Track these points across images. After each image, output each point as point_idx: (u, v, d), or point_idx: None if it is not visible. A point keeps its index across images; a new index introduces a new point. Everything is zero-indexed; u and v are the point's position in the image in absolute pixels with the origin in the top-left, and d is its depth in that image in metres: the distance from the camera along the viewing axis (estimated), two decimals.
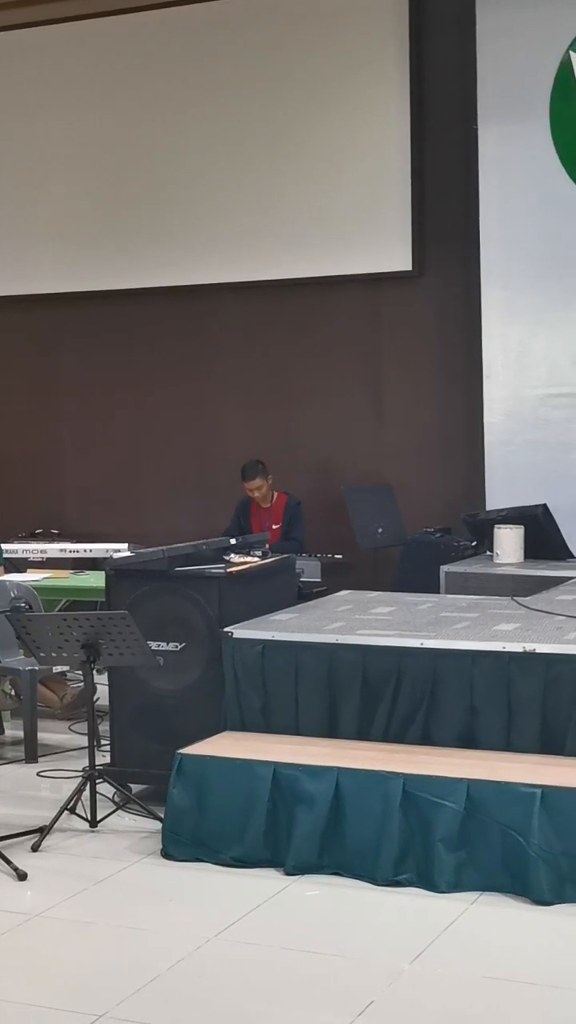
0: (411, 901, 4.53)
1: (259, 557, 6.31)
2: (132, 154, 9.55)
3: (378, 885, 4.64)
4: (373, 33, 8.87)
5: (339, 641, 5.35)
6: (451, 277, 8.72)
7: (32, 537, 9.34)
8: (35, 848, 5.09)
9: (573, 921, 4.32)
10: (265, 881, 4.73)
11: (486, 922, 4.36)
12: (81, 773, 5.47)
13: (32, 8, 9.63)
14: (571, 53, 8.03)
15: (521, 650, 5.04)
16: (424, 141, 8.83)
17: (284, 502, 8.56)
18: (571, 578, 6.87)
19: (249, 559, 6.22)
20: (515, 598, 6.22)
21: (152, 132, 9.49)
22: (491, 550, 7.47)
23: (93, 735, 5.53)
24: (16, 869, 4.80)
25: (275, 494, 8.57)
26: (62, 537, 9.31)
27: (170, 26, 9.38)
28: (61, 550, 8.88)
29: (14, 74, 9.85)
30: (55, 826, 5.22)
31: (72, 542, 9.12)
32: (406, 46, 8.78)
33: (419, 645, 5.21)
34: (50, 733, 6.84)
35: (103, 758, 5.77)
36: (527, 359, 8.21)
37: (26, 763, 6.49)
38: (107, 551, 8.00)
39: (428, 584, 7.09)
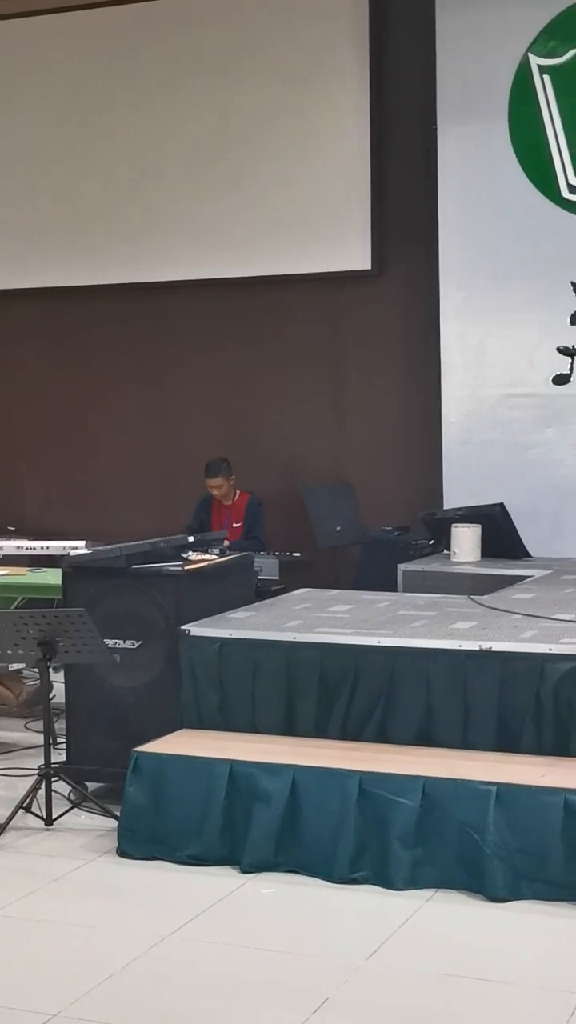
0: (367, 898, 4.54)
1: (217, 555, 6.31)
2: (91, 153, 9.53)
3: (334, 883, 4.64)
4: (333, 34, 8.88)
5: (297, 639, 5.36)
6: (410, 277, 8.74)
7: None
8: None
9: (527, 918, 4.35)
10: (221, 879, 4.73)
11: (441, 919, 4.37)
12: (36, 771, 5.46)
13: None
14: (530, 55, 8.07)
15: (478, 648, 5.06)
16: (384, 141, 8.85)
17: (246, 501, 8.56)
18: (528, 577, 6.91)
19: (207, 557, 6.22)
20: (472, 597, 6.24)
21: (111, 131, 9.47)
22: (448, 549, 7.50)
23: (49, 733, 5.51)
24: None
25: (237, 493, 8.57)
26: (18, 534, 9.25)
27: (130, 25, 9.35)
28: (17, 547, 8.81)
29: None
30: (10, 824, 5.22)
31: (29, 539, 9.06)
32: (366, 47, 8.80)
33: (376, 643, 5.22)
34: (5, 731, 6.82)
35: (59, 756, 5.75)
36: (485, 359, 8.24)
37: None
38: (64, 548, 7.95)
39: (386, 582, 7.11)
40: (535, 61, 8.07)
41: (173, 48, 9.25)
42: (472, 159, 8.21)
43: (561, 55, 8.01)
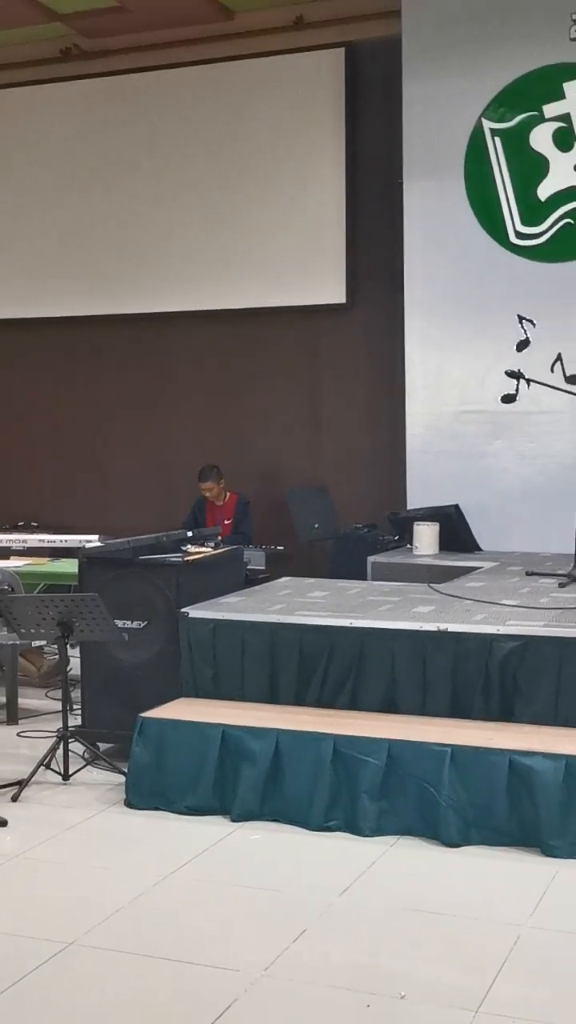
0: (339, 844, 4.55)
1: (212, 548, 6.31)
2: (101, 202, 9.50)
3: (311, 830, 4.66)
4: (314, 101, 8.89)
5: (280, 620, 5.36)
6: (379, 309, 8.75)
7: (14, 529, 9.28)
8: (15, 799, 5.06)
9: (477, 861, 4.36)
10: (214, 827, 4.74)
11: (403, 862, 4.38)
12: (56, 733, 5.45)
13: (18, 70, 9.63)
14: (483, 120, 8.09)
15: (435, 629, 5.07)
16: (356, 193, 8.86)
17: (235, 501, 8.57)
18: (479, 568, 6.92)
19: (203, 550, 6.22)
20: (431, 585, 6.25)
21: (119, 183, 9.45)
22: (411, 543, 7.51)
23: (66, 700, 5.51)
24: None
25: (227, 494, 8.57)
26: (40, 529, 9.26)
27: (139, 91, 9.35)
28: (39, 540, 8.82)
29: (6, 125, 9.78)
30: (32, 779, 5.20)
31: (49, 534, 9.06)
32: (342, 112, 8.82)
33: (348, 624, 5.23)
34: (28, 699, 6.80)
35: (75, 720, 5.74)
36: (443, 381, 8.25)
37: (7, 724, 6.46)
38: (80, 542, 7.94)
39: (357, 572, 7.11)
40: (487, 125, 8.09)
41: (176, 110, 9.24)
42: (433, 209, 8.22)
43: (509, 120, 8.03)
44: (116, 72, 9.41)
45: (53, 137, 9.62)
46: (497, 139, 8.08)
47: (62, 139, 9.59)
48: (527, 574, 6.58)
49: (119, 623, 5.49)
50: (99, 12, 8.88)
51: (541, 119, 7.95)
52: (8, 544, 8.51)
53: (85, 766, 5.45)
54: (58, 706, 5.61)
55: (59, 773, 5.33)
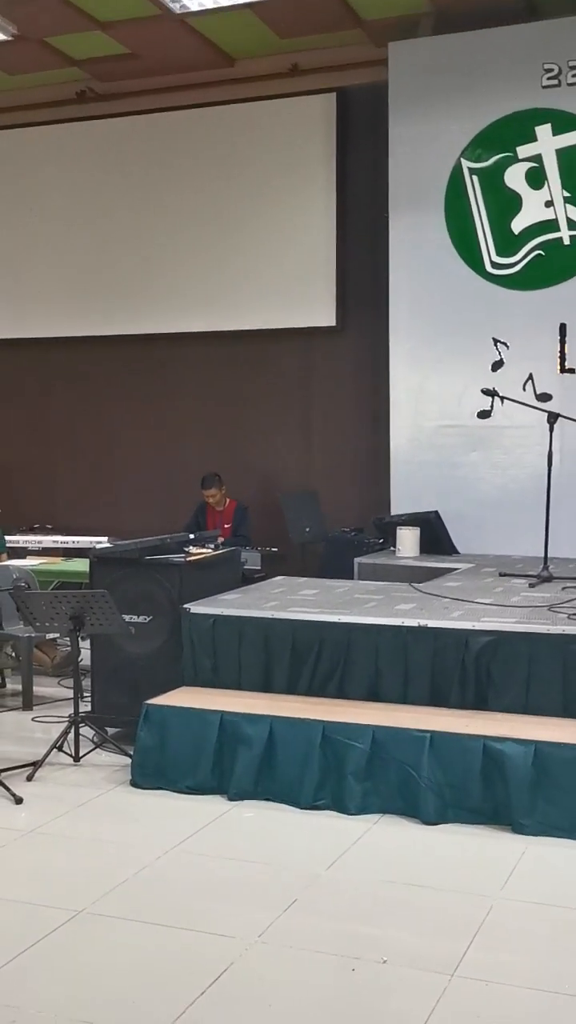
0: (327, 821, 4.56)
1: (212, 549, 6.31)
2: (113, 231, 9.50)
3: (301, 808, 4.66)
4: (308, 142, 8.89)
5: (274, 616, 5.36)
6: (366, 332, 8.75)
7: (31, 531, 9.27)
8: (29, 778, 5.06)
9: (453, 837, 4.37)
10: (212, 805, 4.74)
11: (385, 838, 4.39)
12: (67, 719, 5.45)
13: (37, 111, 9.63)
14: (462, 160, 8.09)
15: (416, 625, 5.08)
16: (346, 225, 8.87)
17: (234, 506, 8.57)
18: (456, 569, 6.93)
19: (204, 551, 6.22)
20: (412, 584, 6.26)
21: (131, 215, 9.45)
22: (394, 546, 7.52)
23: (78, 688, 5.50)
24: (14, 795, 4.78)
25: (227, 500, 8.58)
26: (54, 531, 9.25)
27: (148, 129, 9.36)
28: (54, 541, 8.83)
29: (18, 164, 9.78)
30: (46, 761, 5.19)
31: (63, 535, 9.07)
32: (333, 151, 8.83)
33: (337, 620, 5.24)
34: (43, 687, 6.80)
35: (85, 707, 5.73)
36: (424, 398, 8.26)
37: (23, 710, 6.46)
38: (91, 543, 7.95)
39: (345, 572, 7.11)
40: (466, 165, 8.10)
41: (181, 149, 9.24)
42: (416, 241, 8.23)
43: (486, 160, 8.04)
44: (127, 113, 9.42)
45: (70, 172, 9.61)
46: (475, 177, 8.09)
47: (78, 174, 9.59)
48: (500, 575, 6.59)
49: (126, 617, 5.49)
50: (112, 58, 8.90)
51: (515, 159, 7.96)
52: (25, 544, 8.52)
53: (94, 749, 5.45)
54: (70, 693, 5.61)
55: (71, 755, 5.33)
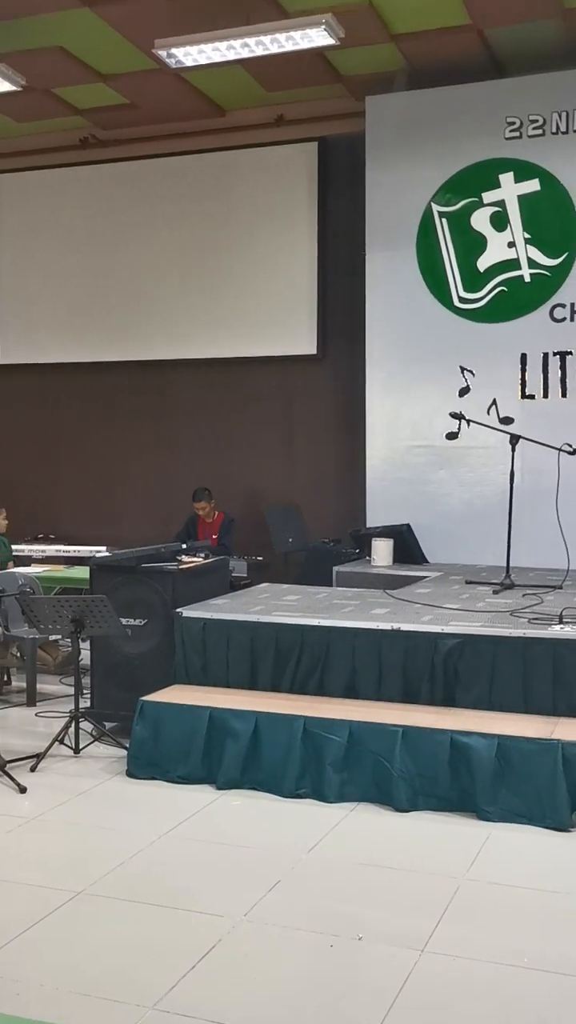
0: (308, 808, 4.56)
1: (202, 558, 6.31)
2: (114, 267, 9.50)
3: (284, 797, 4.66)
4: (292, 185, 8.92)
5: (259, 620, 5.37)
6: (344, 360, 8.77)
7: (35, 540, 9.25)
8: (33, 769, 5.04)
9: (423, 824, 4.38)
10: (202, 794, 4.73)
11: (361, 824, 4.39)
12: (68, 714, 5.44)
13: (45, 156, 9.64)
14: (432, 204, 8.13)
15: (390, 628, 5.09)
16: (326, 262, 8.89)
17: (222, 519, 8.57)
18: (426, 577, 6.95)
19: (195, 559, 6.21)
20: (386, 591, 6.27)
21: (129, 250, 9.45)
22: (369, 556, 7.53)
23: (78, 686, 5.49)
24: (18, 784, 4.77)
25: (216, 513, 8.57)
26: (57, 541, 9.23)
27: (145, 173, 9.36)
28: (57, 550, 8.83)
29: (28, 204, 9.79)
30: (48, 753, 5.18)
31: (65, 544, 9.07)
32: (315, 194, 8.86)
33: (317, 623, 5.24)
34: (45, 684, 6.78)
35: (85, 703, 5.72)
36: (397, 421, 8.28)
37: (27, 706, 6.44)
38: (91, 551, 7.95)
39: (324, 580, 7.11)
40: (435, 208, 8.13)
41: (176, 191, 9.24)
42: (390, 276, 8.26)
43: (453, 205, 8.07)
44: (127, 158, 9.42)
45: (75, 212, 9.61)
46: (444, 220, 8.13)
47: (82, 214, 9.59)
48: (467, 582, 6.61)
49: (123, 620, 5.48)
50: (113, 108, 8.91)
51: (480, 204, 8.00)
52: (30, 553, 8.51)
53: (93, 742, 5.44)
54: (71, 691, 5.59)
55: (71, 748, 5.31)
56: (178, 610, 5.49)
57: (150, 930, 3.36)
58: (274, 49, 6.92)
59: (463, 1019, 2.82)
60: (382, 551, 7.43)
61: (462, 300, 8.10)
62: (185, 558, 6.17)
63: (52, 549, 8.82)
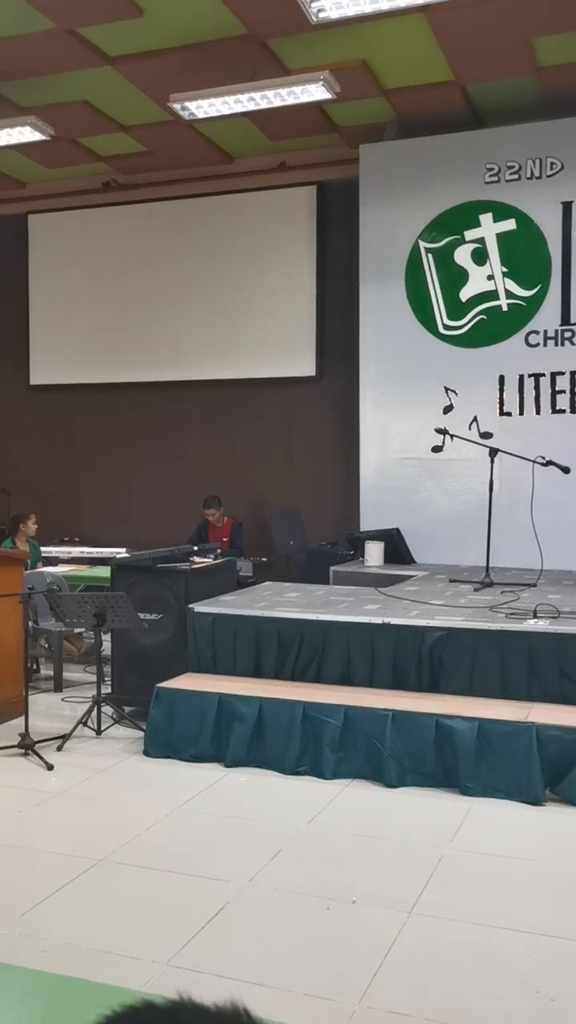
0: (307, 784, 4.56)
1: (212, 559, 6.31)
2: (133, 298, 9.52)
3: (285, 774, 4.66)
4: (292, 223, 8.95)
5: (263, 614, 5.37)
6: (340, 380, 8.79)
7: (62, 543, 9.25)
8: (59, 748, 5.04)
9: (410, 798, 4.37)
10: (211, 771, 4.73)
11: (355, 799, 4.39)
12: (91, 699, 5.44)
13: (71, 198, 9.66)
14: (419, 241, 8.15)
15: (381, 622, 5.10)
16: (324, 292, 8.91)
17: (231, 523, 8.57)
18: (414, 576, 6.95)
19: (205, 560, 6.22)
20: (378, 588, 6.28)
21: (146, 282, 9.47)
22: (363, 557, 7.54)
23: (100, 674, 5.49)
24: (46, 762, 4.77)
25: (225, 518, 8.57)
26: (81, 543, 9.23)
27: (162, 213, 9.39)
28: (81, 552, 8.82)
29: (55, 241, 9.81)
30: (73, 734, 5.18)
31: (88, 547, 9.07)
32: (314, 232, 8.89)
33: (315, 618, 5.25)
34: (71, 672, 6.78)
35: (107, 689, 5.72)
36: (388, 435, 8.30)
37: (54, 692, 6.44)
38: (112, 553, 7.94)
39: (322, 578, 7.12)
40: (422, 245, 8.16)
41: (189, 229, 9.28)
42: (381, 306, 8.29)
43: (439, 242, 8.10)
44: (145, 200, 9.45)
45: (98, 248, 9.64)
46: (430, 255, 8.15)
47: (105, 250, 9.62)
48: (450, 581, 6.62)
49: (141, 615, 5.49)
50: (132, 155, 8.94)
51: (462, 241, 8.02)
52: (57, 555, 8.50)
53: (113, 724, 5.44)
54: (93, 678, 5.60)
55: (94, 729, 5.32)
56: (190, 606, 5.49)
57: (164, 894, 3.35)
58: (277, 102, 6.94)
59: (447, 974, 2.81)
60: (374, 552, 7.43)
61: (446, 327, 8.11)
62: (196, 559, 6.17)
63: (77, 551, 8.82)
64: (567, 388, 7.74)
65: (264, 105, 7.00)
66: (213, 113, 7.12)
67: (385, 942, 2.98)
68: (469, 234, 8.00)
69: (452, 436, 7.20)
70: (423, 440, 8.04)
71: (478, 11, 6.13)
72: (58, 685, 6.50)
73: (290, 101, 6.93)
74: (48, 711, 5.96)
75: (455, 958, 2.91)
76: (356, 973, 2.80)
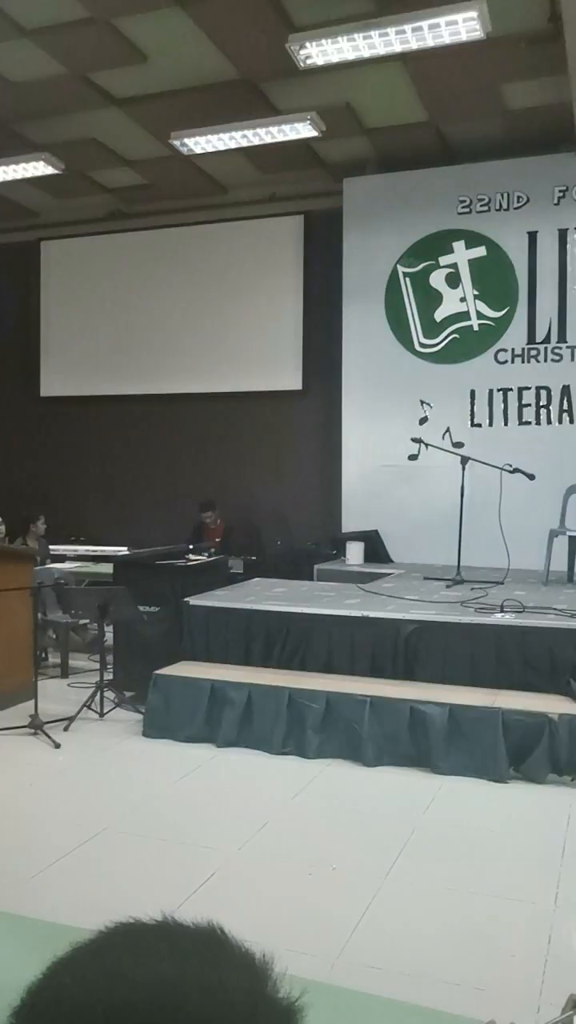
0: (292, 763, 4.58)
1: (206, 557, 6.33)
2: (134, 318, 9.51)
3: (272, 754, 4.68)
4: (281, 249, 8.97)
5: (253, 608, 5.38)
6: (325, 394, 8.82)
7: (68, 542, 9.24)
8: (66, 729, 5.05)
9: (386, 776, 4.40)
10: (204, 751, 4.75)
11: (335, 776, 4.41)
12: (95, 684, 5.46)
13: (79, 226, 9.67)
14: (397, 266, 8.20)
15: (360, 615, 5.12)
16: (310, 313, 8.93)
17: (223, 525, 8.58)
18: (391, 573, 6.98)
19: (200, 558, 6.24)
20: (358, 585, 6.29)
21: (147, 303, 9.47)
22: (344, 556, 7.56)
23: (103, 661, 5.51)
24: (54, 741, 4.78)
25: (219, 520, 8.59)
26: (86, 542, 9.23)
27: (162, 240, 9.40)
28: (86, 550, 8.82)
29: (64, 266, 9.82)
30: (78, 716, 5.19)
31: (93, 545, 9.07)
32: (301, 257, 8.91)
33: (300, 611, 5.27)
34: (76, 660, 6.77)
35: (109, 676, 5.73)
36: (368, 444, 8.33)
37: (61, 678, 6.44)
38: (114, 551, 7.95)
39: (307, 575, 7.15)
40: (400, 269, 8.21)
41: (187, 254, 9.29)
42: (362, 325, 8.33)
43: (416, 266, 8.15)
44: (147, 228, 9.44)
45: (105, 272, 9.63)
46: (407, 279, 8.20)
47: (109, 274, 9.62)
48: (425, 578, 6.63)
49: (141, 608, 5.50)
50: (136, 187, 8.96)
51: (437, 266, 8.08)
52: (64, 552, 8.50)
53: (115, 707, 5.45)
54: (97, 666, 5.61)
55: (97, 712, 5.33)
56: (186, 599, 5.50)
57: (161, 860, 3.38)
58: (268, 139, 7.00)
59: (418, 933, 2.85)
60: (354, 552, 7.46)
61: (422, 345, 8.16)
62: (192, 557, 6.20)
63: (83, 549, 8.82)
64: (532, 402, 7.81)
65: (256, 142, 7.06)
66: (209, 149, 7.17)
67: (362, 904, 3.02)
68: (443, 260, 8.05)
69: (427, 445, 7.24)
70: (400, 449, 8.08)
71: (452, 59, 6.19)
72: (65, 672, 6.50)
73: (280, 138, 6.99)
74: (55, 695, 5.96)
75: (426, 919, 2.95)
76: (335, 932, 2.83)
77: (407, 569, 7.22)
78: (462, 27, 5.38)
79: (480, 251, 7.92)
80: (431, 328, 8.11)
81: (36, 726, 4.91)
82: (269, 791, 4.18)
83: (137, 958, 0.48)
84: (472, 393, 7.98)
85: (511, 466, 6.76)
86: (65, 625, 6.54)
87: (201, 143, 7.06)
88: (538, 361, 7.78)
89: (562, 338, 7.73)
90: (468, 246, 7.95)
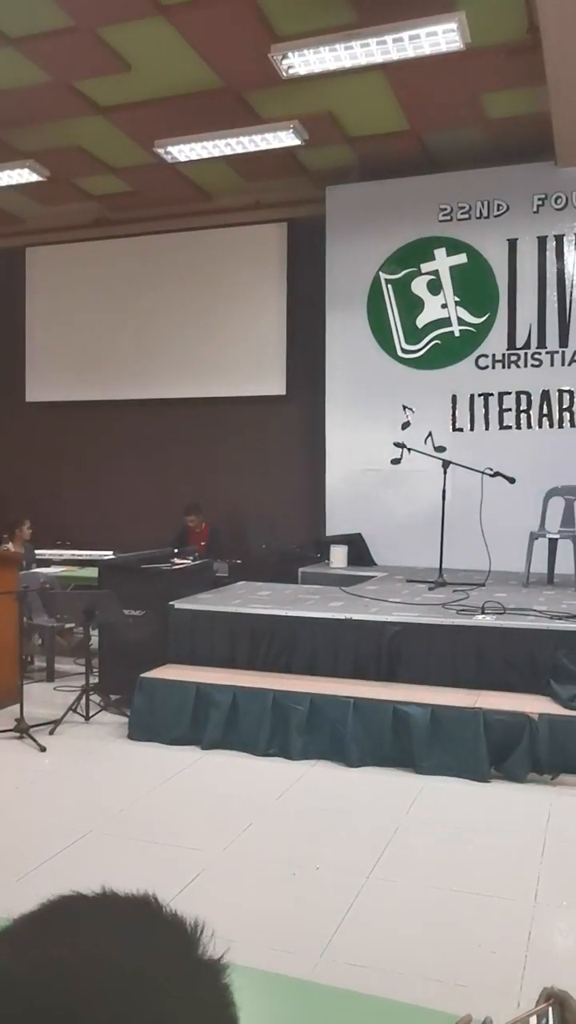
0: (276, 764, 4.59)
1: (191, 560, 6.34)
2: (119, 323, 9.50)
3: (257, 755, 4.69)
4: (265, 256, 8.97)
5: (238, 611, 5.40)
6: (308, 399, 8.83)
7: (54, 546, 9.19)
8: (51, 732, 5.04)
9: (369, 776, 4.42)
10: (190, 753, 4.75)
11: (320, 777, 4.43)
12: (80, 688, 5.44)
13: (65, 232, 9.65)
14: (380, 273, 8.23)
15: (344, 618, 5.13)
16: (294, 319, 8.95)
17: (208, 528, 8.58)
18: (374, 576, 7.00)
19: (185, 561, 6.24)
20: (342, 588, 6.31)
21: (132, 309, 9.46)
22: (328, 559, 7.57)
23: (88, 665, 5.50)
24: (39, 744, 4.77)
25: (203, 524, 8.58)
26: (72, 546, 9.20)
27: (147, 246, 9.40)
28: (72, 554, 8.78)
29: (50, 272, 9.80)
30: (64, 719, 5.18)
31: (78, 549, 9.03)
32: (284, 264, 8.91)
33: (285, 614, 5.28)
34: (62, 664, 6.76)
35: (94, 679, 5.72)
36: (351, 449, 8.35)
37: (47, 682, 6.42)
38: (100, 555, 7.93)
39: (291, 578, 7.16)
40: (382, 276, 8.24)
41: (172, 261, 9.27)
42: (345, 331, 8.35)
43: (398, 273, 8.19)
44: (132, 235, 9.43)
45: (89, 279, 9.61)
46: (389, 286, 8.24)
47: (95, 280, 9.60)
48: (407, 581, 6.66)
49: (126, 611, 5.50)
50: (120, 194, 8.95)
51: (419, 273, 8.12)
52: (50, 556, 8.47)
53: (101, 711, 5.44)
54: (83, 669, 5.60)
55: (83, 715, 5.32)
56: (171, 603, 5.50)
57: (146, 861, 3.37)
58: (251, 148, 7.02)
59: (400, 930, 2.87)
60: (338, 555, 7.48)
61: (404, 351, 8.19)
62: (177, 560, 6.20)
63: (68, 553, 8.78)
64: (513, 407, 7.86)
65: (240, 150, 7.07)
66: (194, 157, 7.19)
67: (345, 903, 3.03)
68: (425, 267, 8.09)
69: (409, 450, 7.28)
70: (383, 453, 8.10)
71: (432, 69, 6.23)
72: (50, 675, 6.48)
73: (263, 147, 7.01)
74: (41, 699, 5.95)
75: (408, 916, 2.96)
76: (319, 930, 2.84)
77: (390, 572, 7.25)
78: (442, 38, 5.42)
79: (461, 258, 7.96)
80: (413, 334, 8.15)
81: (22, 730, 4.90)
82: (254, 792, 4.18)
83: (74, 925, 0.53)
84: (454, 398, 8.02)
85: (492, 470, 6.80)
86: (51, 629, 6.52)
87: (185, 151, 7.07)
88: (518, 366, 7.83)
89: (542, 344, 7.78)
90: (449, 253, 8.00)
